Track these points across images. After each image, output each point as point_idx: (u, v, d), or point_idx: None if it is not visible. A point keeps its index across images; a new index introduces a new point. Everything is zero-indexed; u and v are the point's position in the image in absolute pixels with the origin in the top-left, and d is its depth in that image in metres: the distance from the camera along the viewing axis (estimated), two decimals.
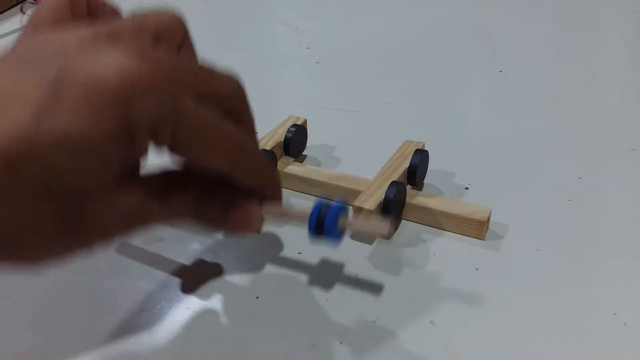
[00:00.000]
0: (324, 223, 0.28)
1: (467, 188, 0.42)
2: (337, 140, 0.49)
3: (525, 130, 0.49)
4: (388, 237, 0.38)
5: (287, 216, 0.33)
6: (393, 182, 0.37)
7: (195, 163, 0.25)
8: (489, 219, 0.37)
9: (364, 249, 0.37)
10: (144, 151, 0.22)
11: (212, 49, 0.74)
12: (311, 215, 0.29)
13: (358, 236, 0.38)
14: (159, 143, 0.22)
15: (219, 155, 0.24)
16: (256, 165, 0.26)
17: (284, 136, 0.44)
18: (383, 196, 0.36)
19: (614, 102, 0.53)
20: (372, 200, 0.36)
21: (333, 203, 0.29)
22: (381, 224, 0.28)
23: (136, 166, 0.24)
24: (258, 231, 0.27)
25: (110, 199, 0.23)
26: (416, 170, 0.40)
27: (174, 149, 0.23)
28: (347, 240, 0.38)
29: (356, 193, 0.40)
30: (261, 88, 0.61)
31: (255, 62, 0.67)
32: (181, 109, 0.22)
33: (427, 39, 0.70)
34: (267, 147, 0.43)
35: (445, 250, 0.37)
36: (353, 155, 0.47)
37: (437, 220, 0.38)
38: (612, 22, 0.72)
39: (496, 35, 0.69)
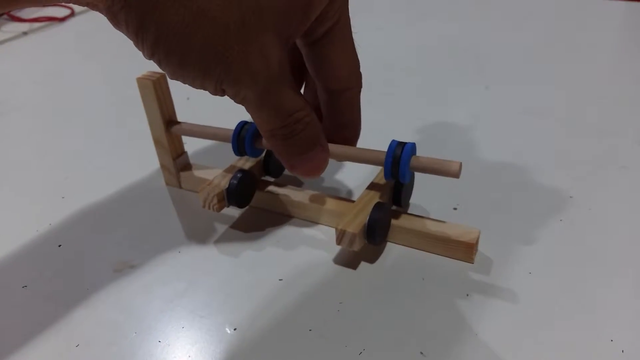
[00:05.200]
0: (399, 162, 0.34)
1: (455, 208, 0.41)
2: None
3: (514, 148, 0.48)
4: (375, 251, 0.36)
5: (359, 159, 0.36)
6: (377, 204, 0.35)
7: (325, 65, 0.33)
8: (477, 241, 0.35)
9: (348, 274, 0.35)
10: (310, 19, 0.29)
11: None
12: (387, 154, 0.34)
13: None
14: (326, 19, 0.30)
15: (347, 63, 0.33)
16: (357, 100, 0.35)
17: (264, 154, 0.42)
18: (367, 218, 0.35)
19: (601, 119, 0.52)
20: (355, 222, 0.34)
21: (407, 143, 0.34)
22: (451, 163, 0.33)
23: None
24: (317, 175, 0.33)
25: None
26: (402, 190, 0.38)
27: (323, 37, 0.31)
28: (329, 264, 0.36)
29: (339, 215, 0.38)
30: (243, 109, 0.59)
31: None
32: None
33: (411, 56, 0.69)
34: (245, 167, 0.41)
35: (433, 275, 0.35)
36: (336, 174, 0.45)
37: (424, 243, 0.36)
38: (596, 39, 0.71)
39: (482, 52, 0.69)
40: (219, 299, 0.34)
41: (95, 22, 0.90)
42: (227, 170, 0.41)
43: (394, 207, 0.39)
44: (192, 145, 0.48)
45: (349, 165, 0.46)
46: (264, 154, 0.42)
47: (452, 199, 0.41)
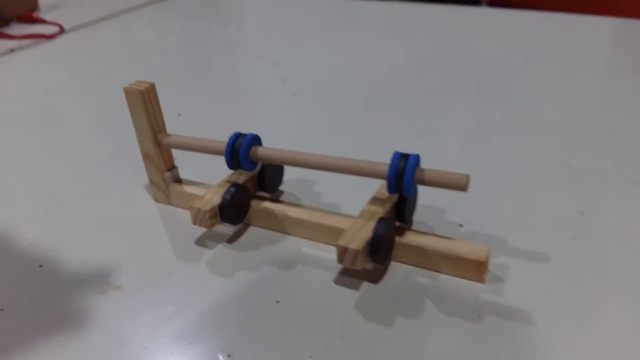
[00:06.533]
0: (403, 174, 0.32)
1: (461, 225, 0.38)
2: (316, 174, 0.45)
3: (518, 162, 0.46)
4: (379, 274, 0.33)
5: (359, 172, 0.34)
6: (382, 219, 0.33)
7: None
8: (488, 259, 0.33)
9: (350, 295, 0.33)
10: None
11: (187, 82, 0.71)
12: (391, 166, 0.32)
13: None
14: None
15: None
16: None
17: (258, 169, 0.40)
18: (371, 234, 0.32)
19: (606, 133, 0.50)
20: (358, 239, 0.32)
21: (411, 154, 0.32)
22: (458, 175, 0.31)
23: None
24: None
25: None
26: (405, 205, 0.36)
27: None
28: (330, 285, 0.34)
29: (339, 231, 0.36)
30: (236, 120, 0.58)
31: (231, 95, 0.64)
32: None
33: (409, 72, 0.68)
34: (240, 181, 0.39)
35: (441, 296, 0.32)
36: (334, 190, 0.43)
37: (431, 262, 0.34)
38: (590, 54, 0.70)
39: (480, 68, 0.67)
40: (211, 323, 0.31)
41: (84, 40, 0.88)
42: (220, 186, 0.38)
43: (397, 224, 0.37)
44: (182, 160, 0.46)
45: (348, 179, 0.44)
46: (258, 168, 0.40)
47: (457, 215, 0.39)
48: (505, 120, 0.53)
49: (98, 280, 0.35)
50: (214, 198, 0.37)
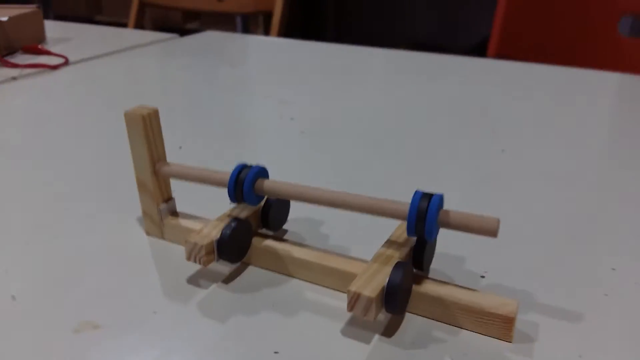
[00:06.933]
0: (426, 216, 0.29)
1: (482, 277, 0.35)
2: (324, 213, 0.42)
3: (541, 212, 0.43)
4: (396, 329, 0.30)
5: (376, 211, 0.31)
6: (399, 263, 0.30)
7: None
8: (516, 314, 0.29)
9: (360, 350, 0.29)
10: None
11: (191, 117, 0.69)
12: (411, 206, 0.29)
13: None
14: None
15: None
16: None
17: (262, 204, 0.37)
18: (387, 280, 0.29)
19: (628, 184, 0.47)
20: (372, 285, 0.28)
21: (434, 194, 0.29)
22: (488, 219, 0.28)
23: None
24: None
25: None
26: (424, 250, 0.32)
27: None
28: (337, 337, 0.30)
29: (349, 276, 0.32)
30: (240, 155, 0.55)
31: (235, 130, 0.61)
32: None
33: (419, 116, 0.65)
34: (242, 216, 0.35)
35: (463, 355, 0.28)
36: (344, 232, 0.40)
37: (452, 315, 0.30)
38: (598, 106, 0.68)
39: (493, 115, 0.65)
40: None
41: (88, 73, 0.87)
42: (220, 219, 0.35)
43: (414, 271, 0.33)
44: (181, 194, 0.43)
45: (360, 220, 0.41)
46: (263, 203, 0.37)
47: (478, 264, 0.36)
48: (524, 168, 0.50)
49: (75, 317, 0.31)
50: (213, 232, 0.33)
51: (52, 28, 1.17)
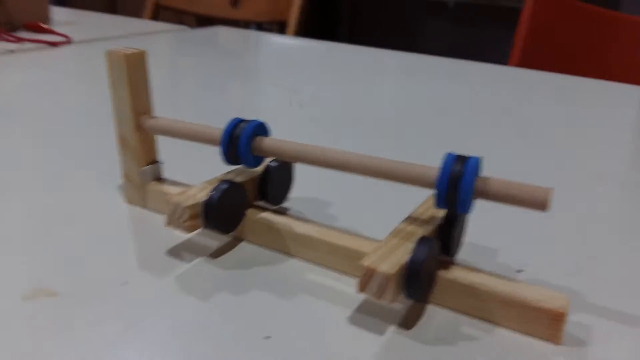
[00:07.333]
0: (460, 181, 0.23)
1: (520, 271, 0.29)
2: (332, 193, 0.36)
3: (584, 209, 0.37)
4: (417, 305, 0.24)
5: (398, 177, 0.26)
6: (424, 238, 0.24)
7: None
8: (567, 310, 0.24)
9: (372, 342, 0.23)
10: None
11: (197, 99, 0.64)
12: (442, 170, 0.24)
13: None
14: None
15: None
16: None
17: (261, 172, 0.32)
18: (409, 256, 0.23)
19: None
20: (391, 260, 0.23)
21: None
22: (538, 189, 0.23)
23: None
24: None
25: None
26: (453, 227, 0.27)
27: None
28: (343, 325, 0.24)
29: (360, 256, 0.26)
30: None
31: (242, 114, 0.56)
32: None
33: (440, 111, 0.60)
34: (238, 180, 0.30)
35: (499, 357, 0.23)
36: (354, 215, 0.34)
37: (486, 308, 0.24)
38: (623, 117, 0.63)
39: (521, 117, 0.60)
40: (171, 351, 0.22)
41: (89, 52, 0.82)
42: (210, 182, 0.30)
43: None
44: (170, 161, 0.37)
45: (375, 201, 0.35)
46: (261, 171, 0.31)
47: (513, 258, 0.30)
48: (560, 166, 0.45)
49: (28, 283, 0.26)
50: (200, 194, 0.28)
51: (59, 12, 1.13)
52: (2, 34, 0.83)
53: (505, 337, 0.24)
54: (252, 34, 1.08)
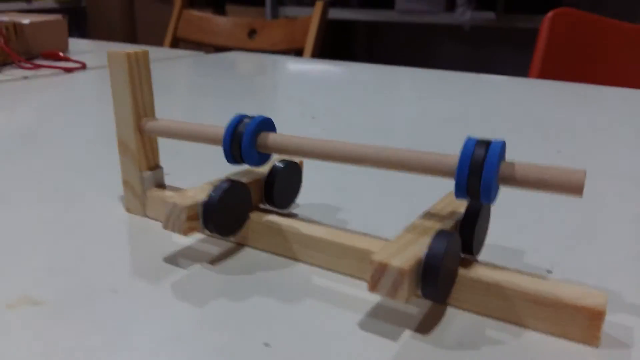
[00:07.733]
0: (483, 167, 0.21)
1: (549, 272, 0.26)
2: (343, 197, 0.34)
3: (612, 211, 0.34)
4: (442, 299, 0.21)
5: (411, 167, 0.24)
6: (443, 232, 0.22)
7: None
8: (605, 309, 0.21)
9: (384, 348, 0.21)
10: None
11: (209, 112, 0.63)
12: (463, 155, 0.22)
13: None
14: None
15: None
16: None
17: (267, 174, 0.30)
18: (426, 251, 0.21)
19: None
20: (405, 255, 0.21)
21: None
22: (571, 171, 0.20)
23: None
24: None
25: None
26: (476, 222, 0.24)
27: None
28: (352, 331, 0.22)
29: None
30: None
31: None
32: None
33: (460, 122, 0.58)
34: (244, 180, 0.28)
35: None
36: (367, 218, 0.32)
37: (513, 309, 0.22)
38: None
39: (547, 122, 0.57)
40: None
41: (104, 77, 0.82)
42: (211, 183, 0.28)
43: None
44: (174, 168, 0.36)
45: (387, 203, 0.33)
46: (267, 172, 0.30)
47: (541, 258, 0.27)
48: (588, 167, 0.42)
49: (14, 291, 0.24)
50: (199, 195, 0.26)
51: (78, 43, 1.14)
52: (18, 62, 0.84)
53: (536, 341, 0.21)
54: (269, 57, 1.08)
